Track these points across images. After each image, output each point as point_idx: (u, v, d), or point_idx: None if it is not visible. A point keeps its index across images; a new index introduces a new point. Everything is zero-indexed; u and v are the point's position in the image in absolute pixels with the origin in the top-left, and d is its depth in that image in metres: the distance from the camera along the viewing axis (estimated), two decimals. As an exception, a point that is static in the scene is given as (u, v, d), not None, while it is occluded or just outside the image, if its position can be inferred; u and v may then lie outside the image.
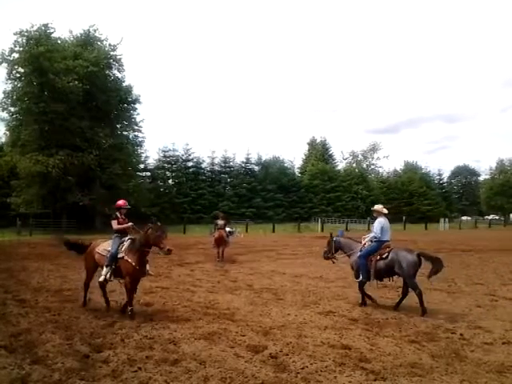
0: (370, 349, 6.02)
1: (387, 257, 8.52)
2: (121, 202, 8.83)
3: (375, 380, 4.94)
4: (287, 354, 5.74)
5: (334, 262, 10.04)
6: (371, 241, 8.95)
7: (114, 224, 8.49)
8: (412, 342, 6.38)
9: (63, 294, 9.87)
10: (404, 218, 55.29)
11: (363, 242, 9.12)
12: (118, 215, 8.61)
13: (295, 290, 10.64)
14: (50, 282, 11.61)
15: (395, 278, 8.81)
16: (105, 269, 7.96)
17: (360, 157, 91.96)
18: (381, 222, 8.94)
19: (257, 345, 6.11)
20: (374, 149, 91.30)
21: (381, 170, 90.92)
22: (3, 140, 47.57)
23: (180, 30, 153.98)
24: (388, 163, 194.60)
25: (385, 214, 9.14)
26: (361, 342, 6.37)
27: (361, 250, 9.00)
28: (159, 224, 8.03)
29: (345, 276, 12.96)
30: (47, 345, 6.02)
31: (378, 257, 8.65)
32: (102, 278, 8.00)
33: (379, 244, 8.77)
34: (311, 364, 5.39)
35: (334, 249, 9.67)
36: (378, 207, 9.34)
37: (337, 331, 6.93)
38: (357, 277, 8.98)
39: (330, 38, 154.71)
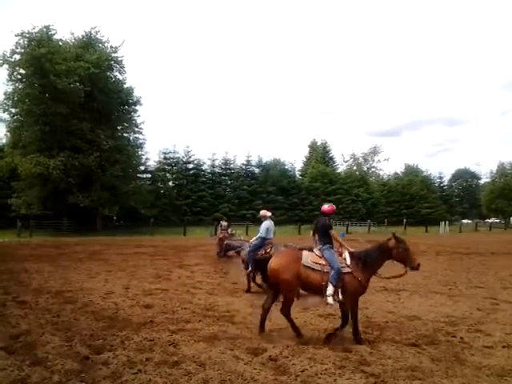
0: (370, 352, 6.01)
1: (270, 251, 10.20)
2: (330, 208, 7.29)
3: (375, 383, 4.94)
4: (287, 357, 5.73)
5: (220, 258, 12.71)
6: (260, 238, 10.64)
7: (336, 234, 7.06)
8: (412, 345, 6.37)
9: (63, 295, 9.84)
10: (404, 220, 55.27)
11: (250, 241, 10.99)
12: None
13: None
14: (50, 283, 11.59)
15: None
16: (331, 287, 6.40)
17: (361, 159, 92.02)
18: (266, 223, 10.69)
19: (256, 347, 6.10)
20: (374, 151, 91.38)
21: (381, 173, 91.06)
22: (4, 141, 47.69)
23: (181, 33, 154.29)
24: (389, 166, 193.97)
25: (269, 217, 10.86)
26: (361, 344, 6.36)
27: (250, 247, 10.83)
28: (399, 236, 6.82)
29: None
30: (47, 346, 6.01)
31: (264, 251, 10.38)
32: (331, 300, 6.42)
33: (263, 241, 10.57)
34: (311, 367, 5.38)
35: (224, 251, 12.12)
36: (262, 212, 11.09)
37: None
38: (246, 268, 10.63)
39: (331, 41, 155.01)
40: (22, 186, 40.42)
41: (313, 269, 6.54)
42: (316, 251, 6.84)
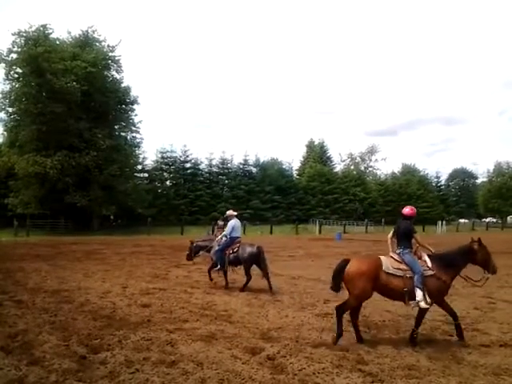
0: (367, 351, 6.03)
1: (237, 250, 11.01)
2: (412, 211, 7.14)
3: (373, 382, 4.95)
4: (284, 356, 5.74)
5: (194, 262, 13.01)
6: (226, 237, 11.25)
7: (420, 238, 7.00)
8: (409, 344, 6.38)
9: (60, 294, 9.83)
10: (401, 220, 55.29)
11: (217, 239, 11.65)
12: None
13: (292, 291, 10.64)
14: (47, 282, 11.57)
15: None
16: (419, 292, 6.31)
17: (358, 159, 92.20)
18: (232, 223, 11.30)
19: (254, 346, 6.11)
20: (371, 151, 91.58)
21: (379, 173, 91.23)
22: (1, 140, 47.52)
23: (178, 31, 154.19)
24: (386, 166, 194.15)
25: (236, 216, 11.50)
26: (358, 343, 6.37)
27: (219, 245, 11.36)
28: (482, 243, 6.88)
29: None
30: (44, 346, 6.00)
31: (231, 250, 11.08)
32: (424, 304, 6.33)
33: (231, 240, 11.18)
34: (308, 366, 5.39)
35: (194, 252, 12.29)
36: (228, 212, 11.75)
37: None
38: (216, 265, 11.31)
39: (329, 40, 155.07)
40: (18, 186, 40.29)
41: (394, 275, 6.40)
42: (395, 256, 6.71)
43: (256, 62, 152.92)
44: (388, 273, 6.39)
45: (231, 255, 11.08)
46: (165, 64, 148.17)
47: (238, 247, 11.09)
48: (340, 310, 6.50)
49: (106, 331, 6.80)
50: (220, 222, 20.03)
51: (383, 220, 57.11)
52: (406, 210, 7.11)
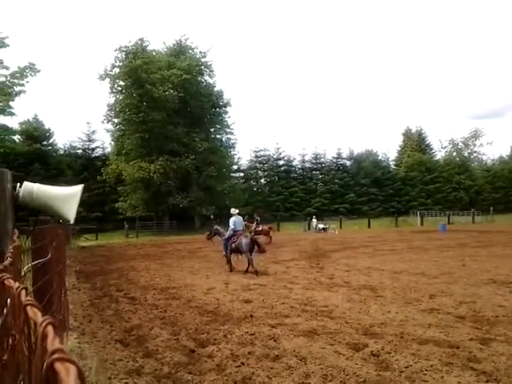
0: (479, 348, 5.65)
1: (236, 240, 13.39)
2: None
3: (487, 381, 4.62)
4: (389, 352, 5.57)
5: (210, 240, 16.00)
6: (232, 231, 13.70)
7: None
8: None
9: (169, 291, 10.41)
10: (514, 208, 51.05)
11: (227, 233, 13.98)
12: None
13: (395, 286, 10.28)
14: (156, 280, 12.33)
15: None
16: None
17: (460, 145, 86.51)
18: (233, 219, 13.82)
19: (357, 342, 6.00)
20: (475, 135, 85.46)
21: (484, 158, 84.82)
22: (109, 150, 51.48)
23: (264, 31, 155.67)
24: (492, 150, 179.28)
25: (237, 213, 14.04)
26: (469, 340, 6.00)
27: (225, 236, 14.04)
28: None
29: (449, 271, 12.31)
30: (157, 340, 6.39)
31: (233, 240, 13.48)
32: None
33: (234, 232, 13.66)
34: (415, 363, 5.18)
35: (212, 234, 15.22)
36: (231, 211, 14.15)
37: (442, 329, 6.59)
38: (224, 251, 14.20)
39: (420, 23, 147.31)
40: (127, 191, 43.43)
41: None
42: None
43: (346, 53, 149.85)
44: None
45: (233, 244, 13.49)
46: (253, 62, 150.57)
47: (238, 238, 13.38)
48: None
49: (211, 326, 7.08)
50: (257, 218, 26.74)
51: (492, 208, 53.14)
52: None
